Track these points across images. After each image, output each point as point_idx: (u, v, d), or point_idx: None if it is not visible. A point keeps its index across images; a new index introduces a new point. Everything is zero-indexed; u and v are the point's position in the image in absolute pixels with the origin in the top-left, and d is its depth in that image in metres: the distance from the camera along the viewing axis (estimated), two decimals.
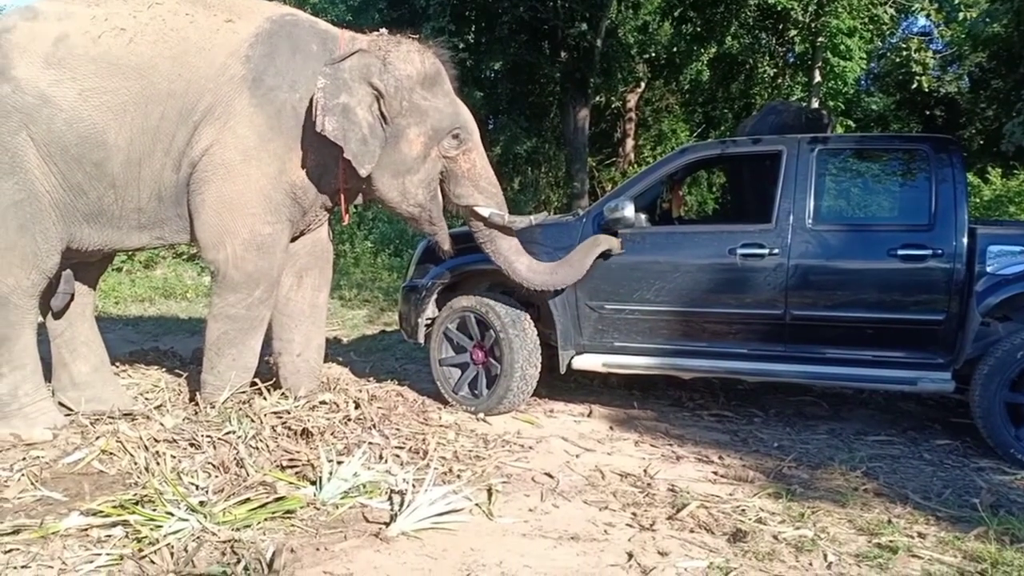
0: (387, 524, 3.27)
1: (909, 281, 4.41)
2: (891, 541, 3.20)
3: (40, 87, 4.02)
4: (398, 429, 4.43)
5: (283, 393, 4.64)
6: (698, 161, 5.31)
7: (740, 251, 4.59)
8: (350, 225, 13.75)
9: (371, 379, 5.43)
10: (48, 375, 4.64)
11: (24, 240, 4.11)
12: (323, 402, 4.54)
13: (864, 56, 17.03)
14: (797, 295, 4.51)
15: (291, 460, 3.82)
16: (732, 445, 4.54)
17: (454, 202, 4.67)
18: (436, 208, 4.67)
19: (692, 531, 3.32)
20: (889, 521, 3.41)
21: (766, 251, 4.54)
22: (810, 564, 3.04)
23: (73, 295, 4.71)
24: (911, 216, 4.64)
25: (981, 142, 17.34)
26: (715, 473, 4.06)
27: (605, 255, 4.76)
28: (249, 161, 4.23)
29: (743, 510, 3.51)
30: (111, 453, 3.91)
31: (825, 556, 3.10)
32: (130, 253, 10.05)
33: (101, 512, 3.22)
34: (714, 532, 3.30)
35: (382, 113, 4.33)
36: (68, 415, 4.52)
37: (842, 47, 16.01)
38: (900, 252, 4.38)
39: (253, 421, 4.14)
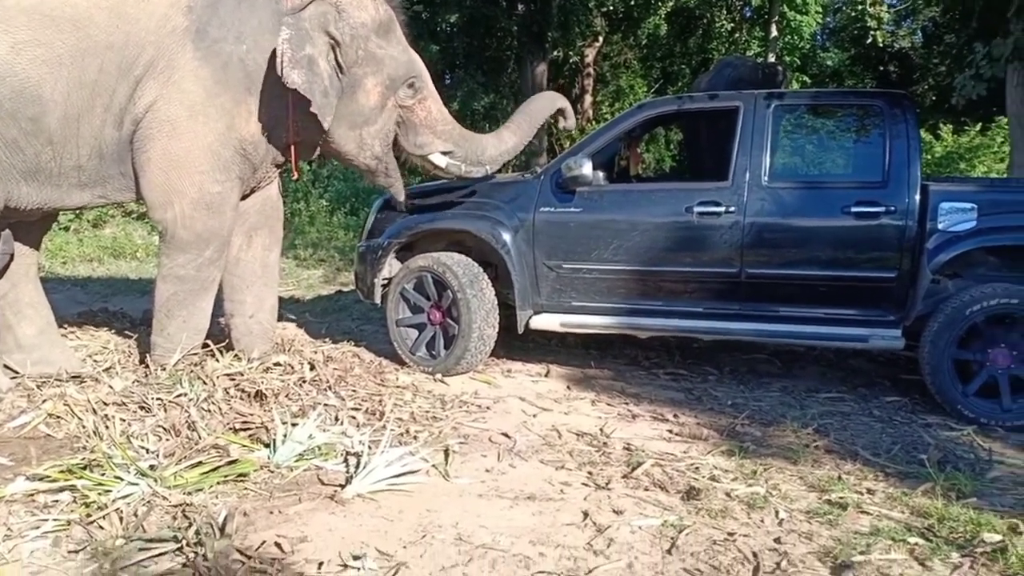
0: (343, 486, 3.25)
1: (862, 239, 4.44)
2: (841, 497, 3.24)
3: None
4: (354, 391, 4.39)
5: (236, 355, 4.57)
6: (655, 117, 5.28)
7: (697, 209, 4.59)
8: (304, 183, 13.53)
9: (327, 340, 5.38)
10: None
11: None
12: (277, 364, 4.49)
13: (819, 11, 17.09)
14: (752, 253, 4.52)
15: (244, 423, 3.77)
16: (687, 403, 4.58)
17: (413, 152, 4.62)
18: (391, 159, 4.63)
19: (647, 489, 3.34)
20: (839, 478, 3.46)
21: (722, 209, 4.54)
22: (762, 521, 3.08)
23: (13, 255, 4.56)
24: (865, 173, 4.68)
25: (933, 98, 17.52)
26: (670, 432, 4.09)
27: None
28: (196, 117, 4.10)
29: (697, 468, 3.54)
30: (58, 417, 3.83)
31: (776, 513, 3.13)
32: (78, 212, 9.81)
33: (48, 477, 3.15)
34: (668, 490, 3.32)
35: (338, 63, 4.23)
36: (14, 378, 4.41)
37: (798, 1, 16.05)
38: (854, 209, 4.40)
39: (205, 383, 4.09)
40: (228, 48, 4.11)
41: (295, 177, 4.76)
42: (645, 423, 4.23)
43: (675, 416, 4.30)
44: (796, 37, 16.80)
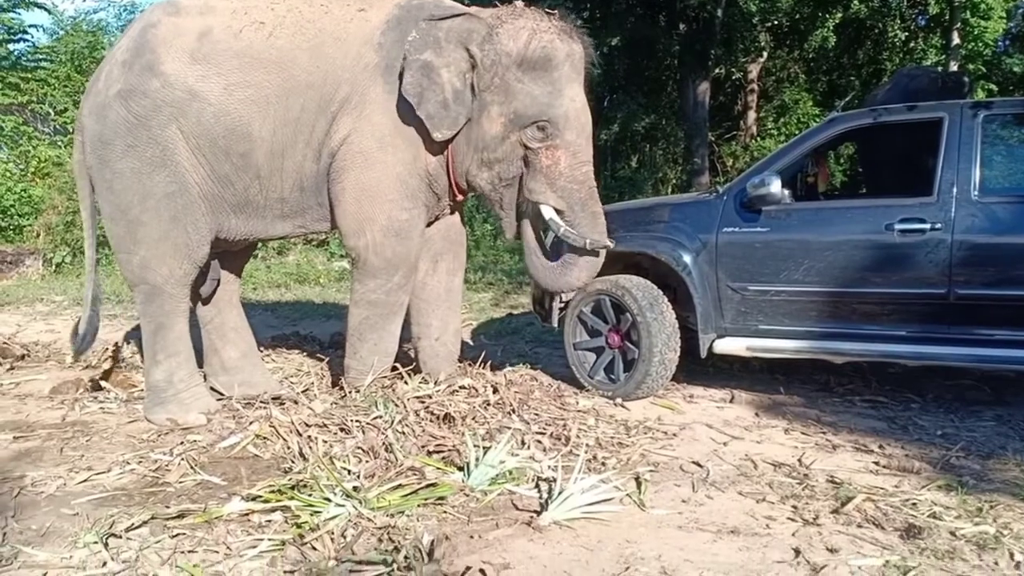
0: (537, 512, 3.22)
1: None
2: None
3: (188, 82, 4.12)
4: (537, 414, 4.37)
5: (423, 378, 4.66)
6: (848, 131, 5.00)
7: (898, 227, 4.31)
8: (469, 208, 13.81)
9: (504, 363, 5.39)
10: (199, 361, 4.78)
11: (176, 231, 4.24)
12: (462, 387, 4.52)
13: (1003, 15, 15.97)
14: (963, 273, 4.20)
15: (437, 446, 3.81)
16: (891, 433, 4.29)
17: (525, 195, 4.44)
18: (508, 194, 4.49)
19: (860, 526, 3.13)
20: None
21: (927, 226, 4.25)
22: (995, 563, 2.82)
23: (219, 282, 4.85)
24: None
25: None
26: (876, 463, 3.83)
27: None
28: (385, 148, 4.24)
29: (913, 504, 3.29)
30: (265, 438, 4.01)
31: (1011, 555, 2.86)
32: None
33: (261, 497, 3.28)
34: (884, 528, 3.10)
35: (473, 83, 4.24)
36: (220, 399, 4.67)
37: (982, 6, 15.05)
38: None
39: (397, 406, 4.17)
40: None
41: (456, 198, 4.72)
42: (847, 454, 3.99)
43: (880, 447, 4.03)
44: (979, 44, 15.72)
